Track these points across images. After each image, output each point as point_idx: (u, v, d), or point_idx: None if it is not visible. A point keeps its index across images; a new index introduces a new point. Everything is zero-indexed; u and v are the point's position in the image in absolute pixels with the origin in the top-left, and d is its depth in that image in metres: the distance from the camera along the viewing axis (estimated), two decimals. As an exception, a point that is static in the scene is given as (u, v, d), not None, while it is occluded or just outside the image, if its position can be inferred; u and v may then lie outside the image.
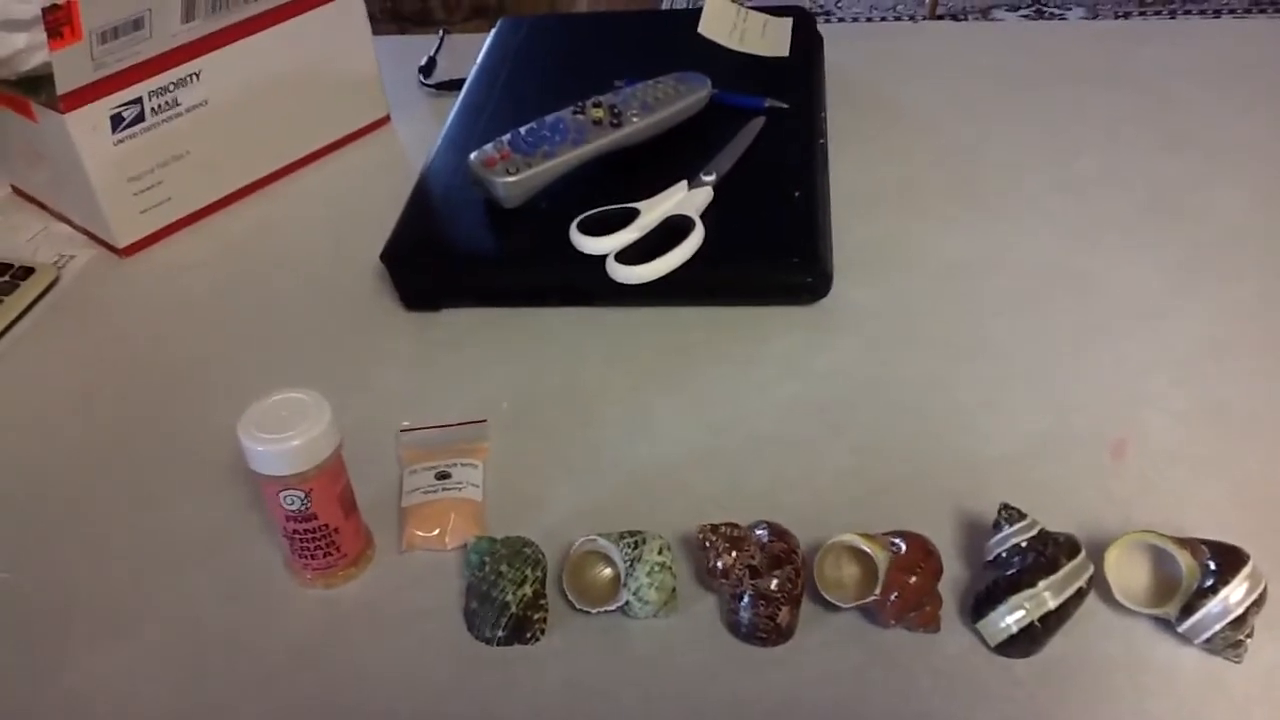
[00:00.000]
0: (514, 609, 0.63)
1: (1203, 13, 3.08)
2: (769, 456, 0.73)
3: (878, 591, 0.61)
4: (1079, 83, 1.08)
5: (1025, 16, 3.12)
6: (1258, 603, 0.58)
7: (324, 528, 0.65)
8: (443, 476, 0.71)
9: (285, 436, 0.61)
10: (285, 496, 0.63)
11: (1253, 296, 0.82)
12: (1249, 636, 0.59)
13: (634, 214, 0.85)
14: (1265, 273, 0.84)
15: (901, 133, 1.04)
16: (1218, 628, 0.58)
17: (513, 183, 0.87)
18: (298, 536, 0.65)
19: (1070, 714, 0.59)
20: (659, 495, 0.71)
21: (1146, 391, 0.76)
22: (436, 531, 0.69)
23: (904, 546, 0.63)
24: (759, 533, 0.64)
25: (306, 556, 0.66)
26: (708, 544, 0.64)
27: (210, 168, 0.98)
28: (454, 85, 1.12)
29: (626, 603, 0.63)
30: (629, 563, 0.63)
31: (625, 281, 0.82)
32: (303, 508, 0.63)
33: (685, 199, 0.87)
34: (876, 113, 1.06)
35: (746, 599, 0.62)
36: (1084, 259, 0.87)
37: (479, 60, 1.10)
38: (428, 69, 1.18)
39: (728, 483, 0.72)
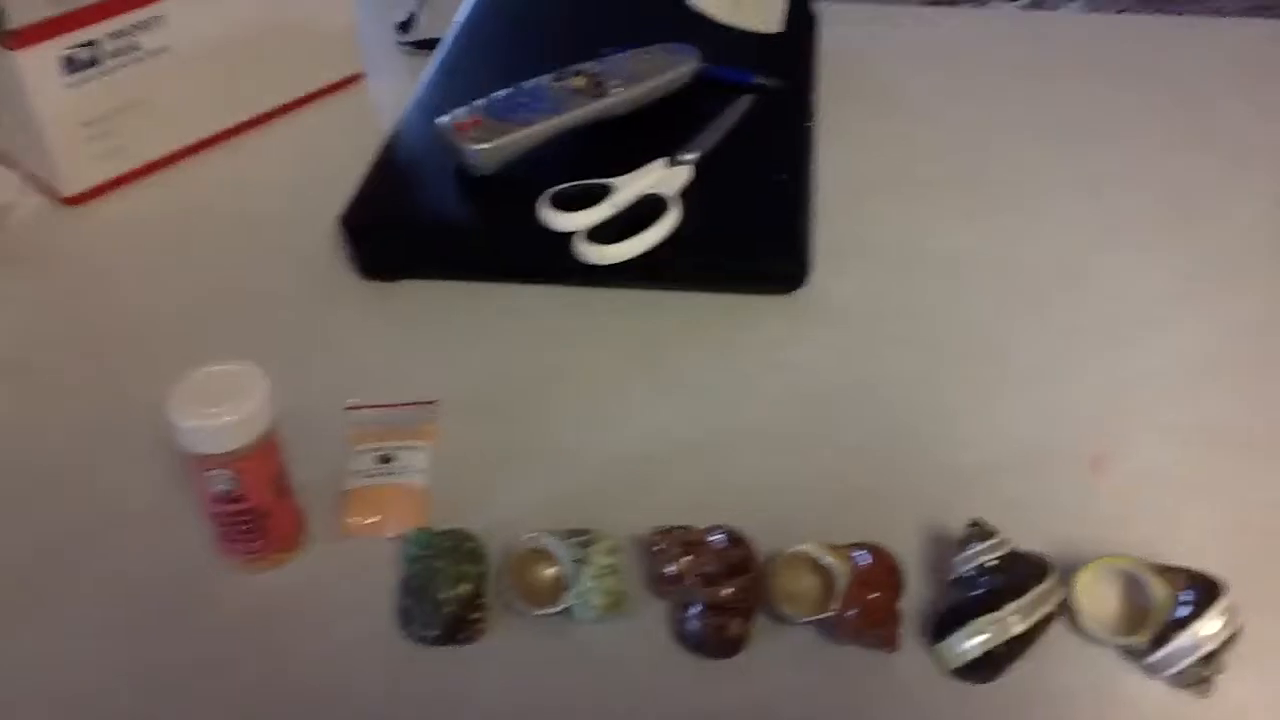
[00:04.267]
0: (450, 607, 0.59)
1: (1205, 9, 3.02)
2: (737, 456, 0.70)
3: (835, 606, 0.58)
4: (1085, 77, 1.04)
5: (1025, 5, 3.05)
6: (1232, 639, 0.55)
7: (253, 510, 0.61)
8: (386, 460, 0.68)
9: (214, 413, 0.57)
10: (212, 477, 0.59)
11: (1257, 313, 0.79)
12: (1219, 673, 0.55)
13: (608, 190, 0.81)
14: (1272, 288, 0.81)
15: (896, 120, 1.00)
16: (1187, 662, 0.55)
17: (485, 150, 0.83)
18: (224, 519, 0.61)
19: (1030, 747, 0.56)
20: (619, 491, 0.68)
21: (1138, 406, 0.72)
22: (376, 519, 0.65)
23: (867, 560, 0.59)
24: (715, 538, 0.61)
25: (233, 540, 0.62)
26: (658, 548, 0.60)
27: (169, 118, 0.94)
28: (432, 44, 1.07)
29: (570, 605, 0.60)
30: (575, 563, 0.60)
31: (594, 261, 0.78)
32: (230, 489, 0.60)
33: (664, 177, 0.83)
34: (871, 98, 1.02)
35: (696, 608, 0.58)
36: (1084, 261, 0.83)
37: (459, 19, 1.06)
38: (406, 25, 1.14)
39: (691, 482, 0.68)
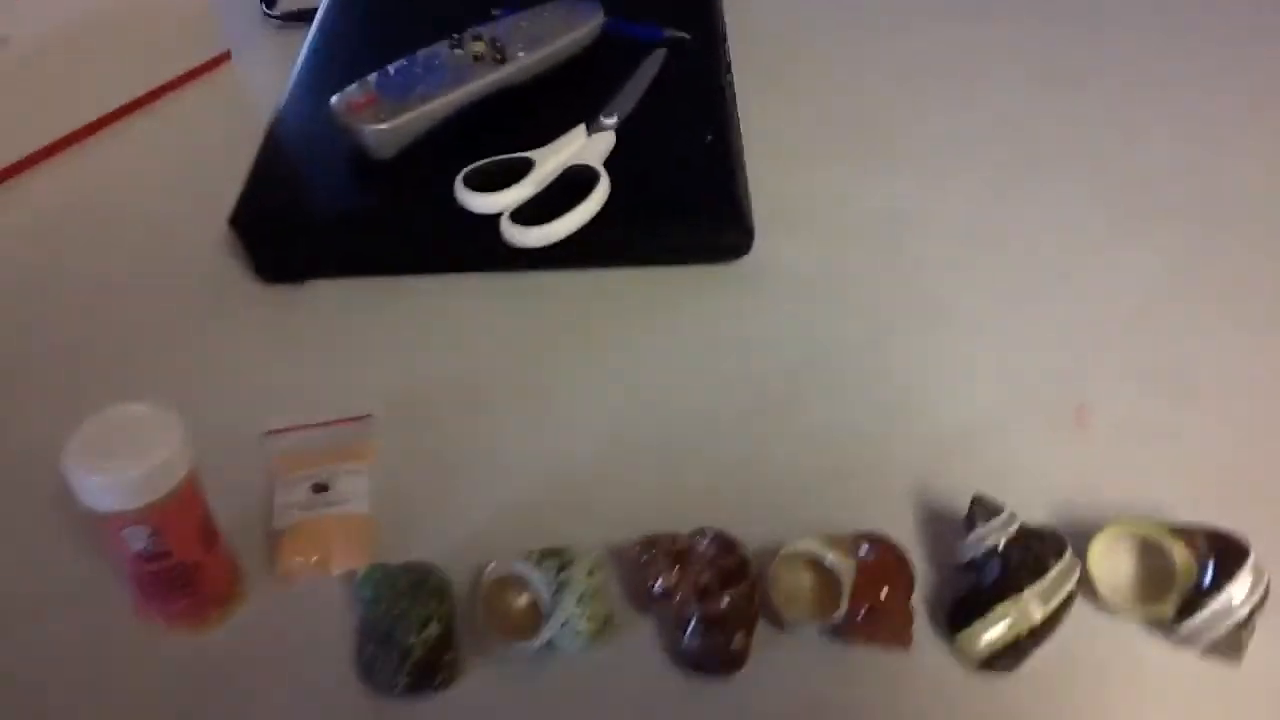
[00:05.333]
0: (419, 652, 0.52)
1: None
2: (702, 444, 0.64)
3: (843, 610, 0.53)
4: (986, 13, 1.01)
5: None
6: (1263, 601, 0.52)
7: (180, 565, 0.53)
8: (321, 489, 0.60)
9: (124, 464, 0.49)
10: (129, 534, 0.51)
11: (1195, 236, 0.77)
12: (1252, 636, 0.53)
13: (528, 165, 0.74)
14: (1203, 210, 0.79)
15: (807, 68, 0.95)
16: (1222, 630, 0.52)
17: (385, 130, 0.75)
18: (148, 579, 0.53)
19: (1063, 734, 0.52)
20: (580, 497, 0.62)
21: (1105, 350, 0.69)
22: (318, 557, 0.58)
23: (871, 552, 0.55)
24: (704, 543, 0.55)
25: (161, 601, 0.54)
26: (645, 560, 0.55)
27: (13, 119, 0.83)
28: (304, 16, 0.98)
29: (552, 636, 0.53)
30: (555, 588, 0.53)
31: (523, 245, 0.71)
32: (152, 546, 0.52)
33: (585, 146, 0.76)
34: (778, 46, 0.97)
35: (694, 624, 0.53)
36: (1018, 204, 0.80)
37: (331, -13, 0.97)
38: (271, -3, 1.04)
39: (658, 477, 0.62)
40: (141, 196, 0.83)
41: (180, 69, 0.93)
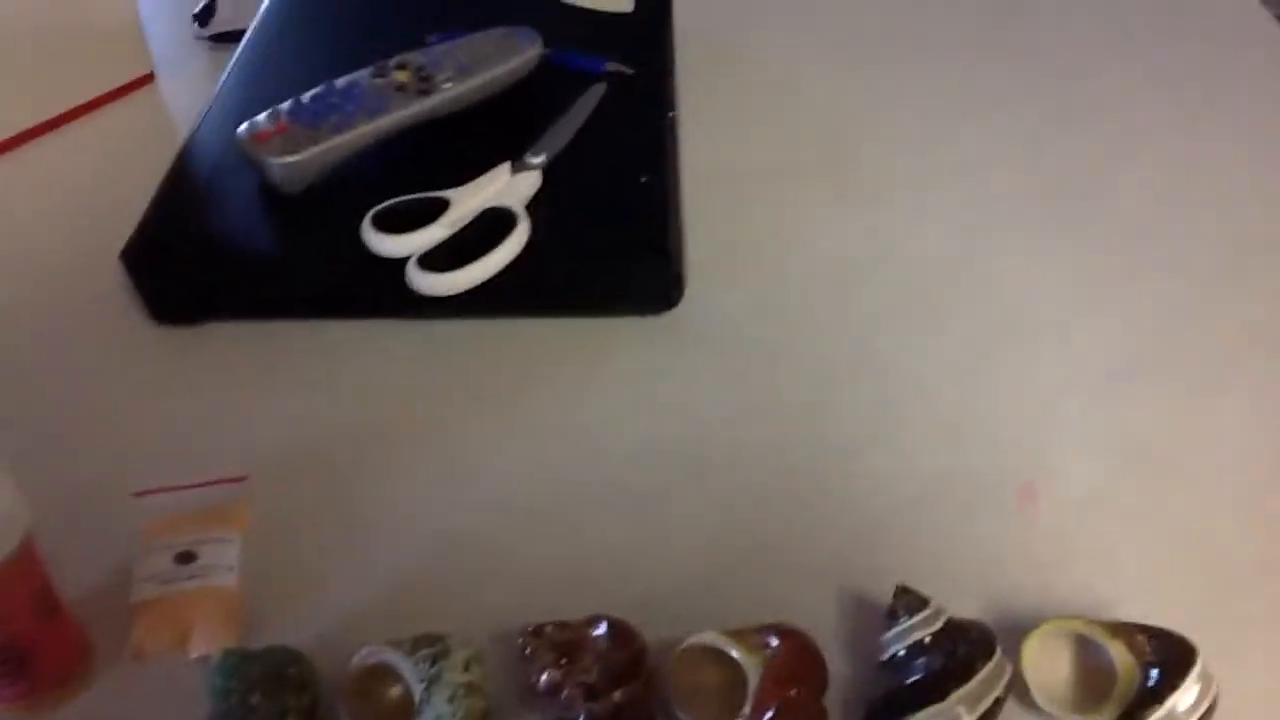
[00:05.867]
0: (271, 751, 0.47)
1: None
2: (611, 518, 0.59)
3: (747, 711, 0.48)
4: (963, 52, 0.96)
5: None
6: (1211, 709, 0.47)
7: (8, 647, 0.48)
8: (186, 558, 0.55)
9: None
10: (-57, 613, 0.46)
11: (1173, 300, 0.72)
12: (1199, 751, 0.47)
13: (443, 205, 0.69)
14: (1182, 271, 0.74)
15: (763, 105, 0.90)
16: (1165, 744, 0.47)
17: (291, 163, 0.70)
18: (-31, 661, 0.48)
19: None
20: (472, 573, 0.56)
21: (1059, 422, 0.64)
22: (175, 636, 0.52)
23: (780, 647, 0.49)
24: (597, 633, 0.50)
25: (-13, 685, 0.49)
26: (530, 651, 0.49)
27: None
28: (238, 37, 0.93)
29: (423, 736, 0.48)
30: (425, 683, 0.48)
31: (429, 292, 0.66)
32: (-28, 625, 0.46)
33: (507, 186, 0.71)
34: (733, 82, 0.92)
35: (580, 725, 0.48)
36: (978, 257, 0.75)
37: (264, 6, 0.92)
38: (204, 15, 0.99)
39: (557, 555, 0.57)
40: (38, 223, 0.78)
41: (101, 88, 0.88)
